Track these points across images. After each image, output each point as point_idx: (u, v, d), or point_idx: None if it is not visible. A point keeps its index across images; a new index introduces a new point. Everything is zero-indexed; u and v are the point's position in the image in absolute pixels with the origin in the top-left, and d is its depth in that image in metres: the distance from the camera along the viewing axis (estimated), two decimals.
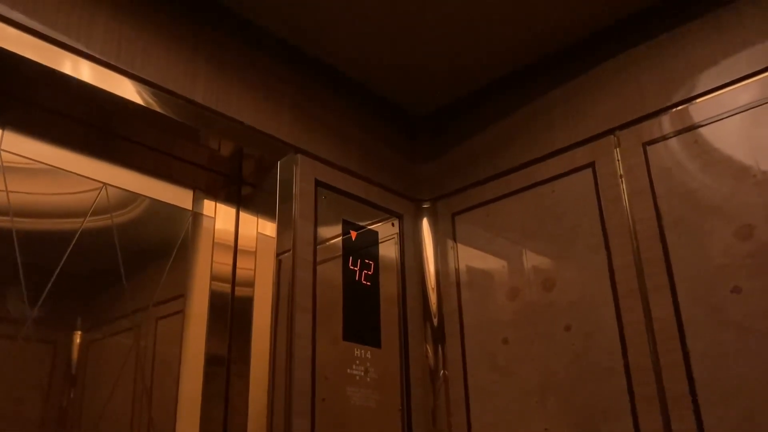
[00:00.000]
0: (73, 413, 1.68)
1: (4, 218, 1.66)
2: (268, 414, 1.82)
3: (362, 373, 1.98)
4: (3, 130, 1.69)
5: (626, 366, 1.77)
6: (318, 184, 2.07)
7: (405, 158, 2.45)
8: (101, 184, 1.86)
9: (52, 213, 1.77)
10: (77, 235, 1.78)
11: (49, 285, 1.68)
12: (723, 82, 1.79)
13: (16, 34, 1.53)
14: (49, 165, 1.77)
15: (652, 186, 1.84)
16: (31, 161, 1.73)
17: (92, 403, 1.72)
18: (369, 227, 2.20)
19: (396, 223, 2.30)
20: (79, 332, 1.75)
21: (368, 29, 2.05)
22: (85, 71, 1.64)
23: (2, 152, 1.68)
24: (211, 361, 1.95)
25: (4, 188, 1.66)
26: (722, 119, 1.77)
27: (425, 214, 2.39)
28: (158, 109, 1.78)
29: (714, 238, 1.70)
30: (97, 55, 1.65)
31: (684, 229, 1.75)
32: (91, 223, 1.82)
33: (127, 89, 1.72)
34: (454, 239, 2.30)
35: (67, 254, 1.74)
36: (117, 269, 1.85)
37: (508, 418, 1.98)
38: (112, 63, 1.68)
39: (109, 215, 1.86)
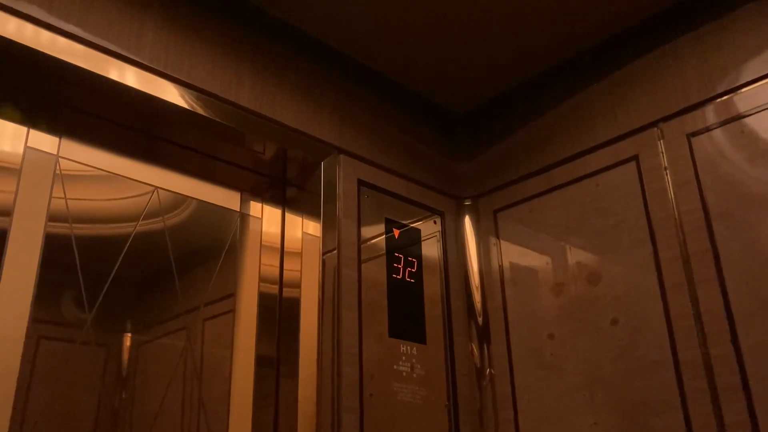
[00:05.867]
0: (126, 414, 1.73)
1: (64, 225, 1.72)
2: (317, 412, 1.84)
3: (408, 369, 2.00)
4: (60, 138, 1.75)
5: (675, 359, 1.75)
6: (361, 183, 2.09)
7: (446, 156, 2.47)
8: (153, 188, 1.91)
9: (107, 218, 1.83)
10: (131, 239, 1.83)
11: (105, 289, 1.74)
12: (764, 73, 1.76)
13: (69, 44, 1.59)
14: (104, 170, 1.83)
15: (698, 177, 1.82)
16: (86, 168, 1.79)
17: (145, 404, 1.77)
18: (411, 225, 2.21)
19: (438, 220, 2.31)
20: (134, 334, 1.79)
21: (407, 29, 2.06)
22: (135, 78, 1.69)
23: (60, 159, 1.74)
24: (261, 362, 1.99)
25: (63, 195, 1.72)
26: (764, 110, 1.74)
27: (467, 211, 2.40)
28: (205, 113, 1.82)
29: (762, 229, 1.68)
30: (147, 63, 1.70)
31: (731, 220, 1.73)
32: (144, 226, 1.87)
33: (174, 95, 1.77)
34: (497, 236, 2.30)
35: (121, 257, 1.79)
36: (169, 271, 1.90)
37: (556, 414, 1.98)
38: (161, 70, 1.72)
39: (160, 218, 1.91)
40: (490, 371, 2.17)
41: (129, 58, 1.67)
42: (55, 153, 1.73)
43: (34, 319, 1.58)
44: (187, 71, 1.78)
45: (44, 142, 1.72)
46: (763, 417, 1.57)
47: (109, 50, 1.64)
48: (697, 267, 1.76)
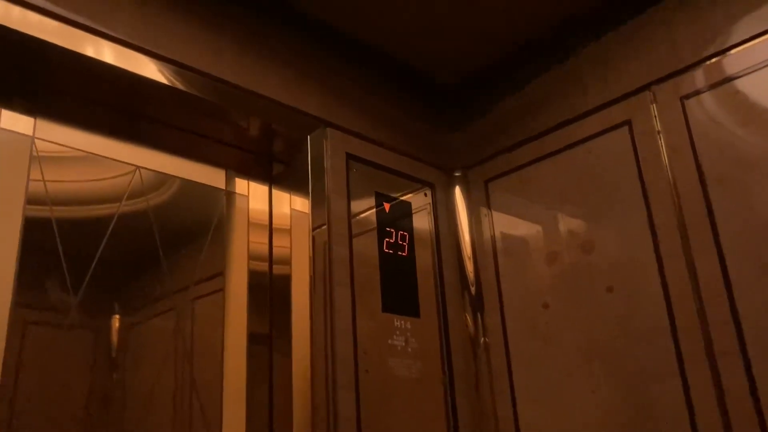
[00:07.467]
0: (118, 396, 1.71)
1: (44, 208, 1.67)
2: (312, 390, 1.83)
3: (403, 343, 1.98)
4: (35, 118, 1.70)
5: (672, 325, 1.74)
6: (349, 157, 2.06)
7: (435, 127, 2.43)
8: (135, 167, 1.86)
9: (89, 200, 1.78)
10: (114, 220, 1.79)
11: (90, 272, 1.70)
12: (758, 32, 1.73)
13: (41, 20, 1.53)
14: (83, 151, 1.78)
15: (692, 141, 1.79)
16: (64, 149, 1.74)
17: (138, 386, 1.75)
18: (402, 198, 2.18)
19: (428, 193, 2.28)
20: (123, 316, 1.76)
21: None
22: (111, 54, 1.63)
23: (36, 140, 1.69)
24: (253, 340, 1.96)
25: (41, 178, 1.67)
26: (758, 70, 1.71)
27: (457, 182, 2.37)
28: (185, 89, 1.77)
29: (758, 192, 1.65)
30: (123, 38, 1.64)
31: (727, 184, 1.71)
32: (127, 207, 1.83)
33: (153, 70, 1.71)
34: (488, 206, 2.28)
35: (105, 239, 1.75)
36: (155, 252, 1.86)
37: (552, 384, 1.97)
38: (138, 44, 1.67)
39: (144, 198, 1.87)
40: (485, 341, 2.16)
41: (104, 33, 1.61)
42: (31, 134, 1.68)
43: (18, 304, 1.55)
44: (165, 45, 1.72)
45: (19, 123, 1.67)
46: (761, 381, 1.56)
47: (84, 25, 1.58)
48: (693, 232, 1.74)
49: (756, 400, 1.56)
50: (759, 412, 1.55)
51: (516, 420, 2.03)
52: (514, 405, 2.05)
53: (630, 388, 1.80)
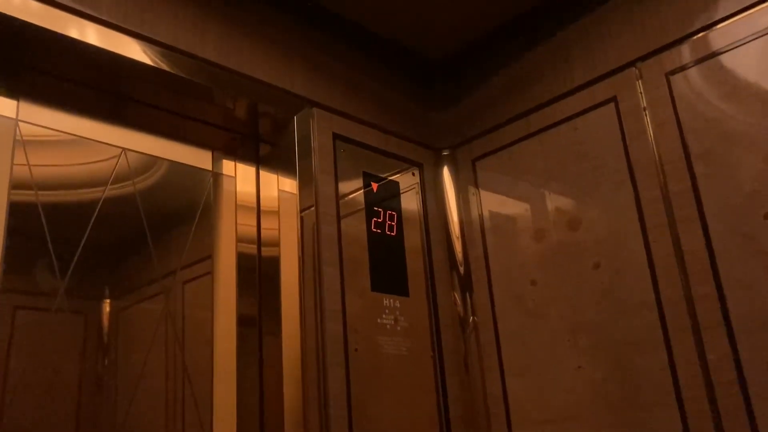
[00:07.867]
0: (110, 379, 1.71)
1: (29, 192, 1.65)
2: (302, 369, 1.83)
3: (392, 322, 1.99)
4: (18, 101, 1.68)
5: (658, 300, 1.76)
6: (336, 137, 2.05)
7: (422, 106, 2.42)
8: (120, 150, 1.85)
9: (74, 184, 1.76)
10: (100, 204, 1.78)
11: (77, 256, 1.69)
12: (742, 6, 1.73)
13: (24, 1, 1.51)
14: (67, 133, 1.76)
15: (678, 117, 1.80)
16: (49, 134, 1.72)
17: (129, 369, 1.75)
18: (390, 178, 2.18)
19: (416, 172, 2.28)
20: (112, 300, 1.76)
21: None
22: (95, 35, 1.61)
23: (20, 123, 1.67)
24: (243, 322, 1.97)
25: (26, 162, 1.66)
26: (743, 44, 1.71)
27: (445, 161, 2.37)
28: (171, 70, 1.75)
29: (743, 166, 1.67)
30: (107, 18, 1.62)
31: (712, 159, 1.72)
32: (113, 191, 1.82)
33: (138, 52, 1.70)
34: (476, 185, 2.28)
35: (91, 224, 1.74)
36: (143, 235, 1.85)
37: (540, 360, 1.99)
38: (122, 26, 1.65)
39: (131, 182, 1.86)
40: (473, 319, 2.17)
41: (88, 14, 1.59)
42: (14, 117, 1.66)
43: (5, 290, 1.54)
44: (149, 26, 1.70)
45: (2, 105, 1.65)
46: (744, 353, 1.58)
47: (67, 6, 1.56)
48: (678, 207, 1.75)
49: (740, 371, 1.58)
50: (742, 383, 1.58)
51: (505, 396, 2.05)
52: (503, 381, 2.07)
53: (616, 361, 1.82)
